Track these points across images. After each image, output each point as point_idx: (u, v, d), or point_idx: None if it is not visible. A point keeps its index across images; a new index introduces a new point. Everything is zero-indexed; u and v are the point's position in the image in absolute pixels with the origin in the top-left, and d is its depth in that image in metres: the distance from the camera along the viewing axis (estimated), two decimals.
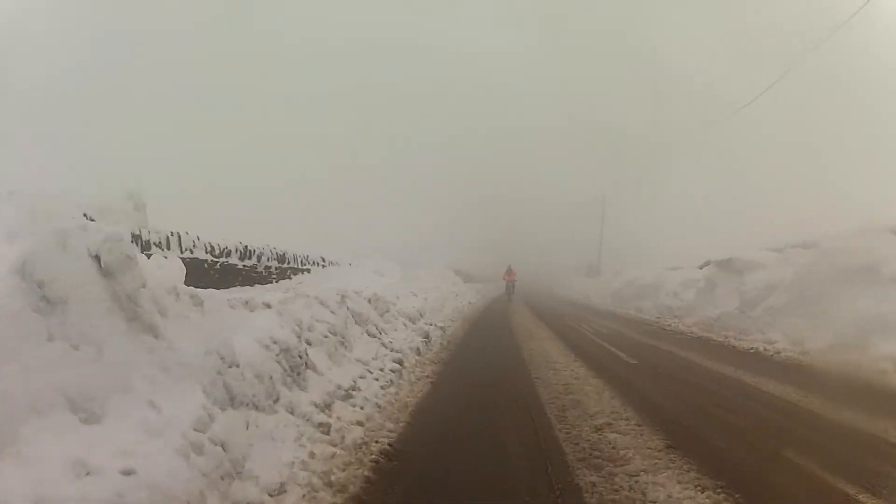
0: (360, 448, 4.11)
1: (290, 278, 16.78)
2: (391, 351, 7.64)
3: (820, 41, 19.69)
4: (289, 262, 18.24)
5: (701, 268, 23.85)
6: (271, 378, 4.16)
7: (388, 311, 9.76)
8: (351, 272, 16.76)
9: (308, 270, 19.12)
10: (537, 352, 10.03)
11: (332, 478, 3.50)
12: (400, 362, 7.05)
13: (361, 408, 4.94)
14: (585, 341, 12.30)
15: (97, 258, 3.36)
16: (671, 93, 49.94)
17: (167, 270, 4.40)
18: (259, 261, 15.94)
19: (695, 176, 36.25)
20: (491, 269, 48.72)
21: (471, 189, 66.98)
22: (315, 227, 37.26)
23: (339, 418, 4.48)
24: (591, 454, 4.33)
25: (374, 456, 4.02)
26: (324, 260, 21.53)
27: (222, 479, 2.99)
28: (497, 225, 68.12)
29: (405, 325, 9.87)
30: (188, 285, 4.30)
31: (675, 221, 36.41)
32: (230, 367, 3.78)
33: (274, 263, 17.01)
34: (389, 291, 12.50)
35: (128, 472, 2.50)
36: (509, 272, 34.28)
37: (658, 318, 20.26)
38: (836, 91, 27.69)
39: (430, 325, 11.50)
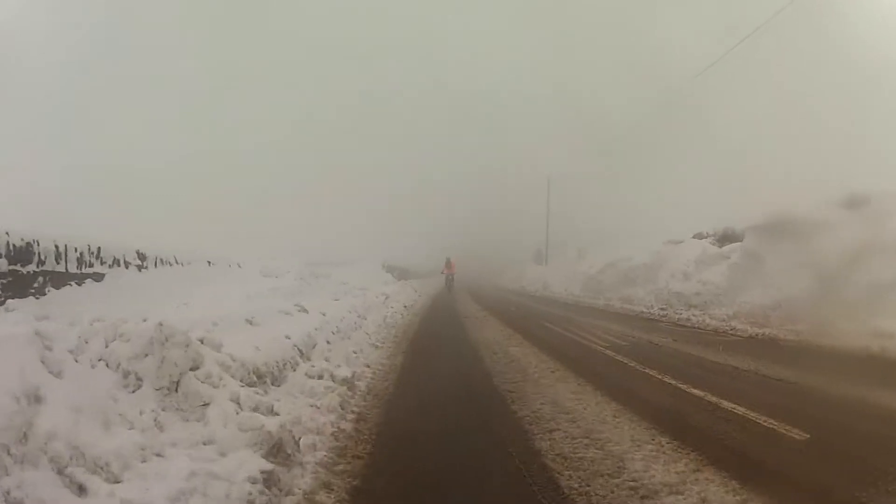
0: None
1: (44, 293, 9.36)
2: None
3: None
4: (41, 263, 10.16)
5: (698, 239, 19.01)
6: None
7: (183, 376, 3.47)
8: (201, 277, 10.10)
9: (95, 277, 11.31)
10: (570, 437, 4.09)
11: None
12: None
13: None
14: (625, 375, 6.51)
15: None
16: (638, 68, 46.18)
17: None
18: None
19: (667, 152, 31.91)
20: (432, 262, 45.07)
21: (413, 181, 61.59)
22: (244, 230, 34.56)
23: None
24: None
25: None
26: (142, 257, 13.22)
27: None
28: (441, 217, 63.24)
29: (235, 406, 3.56)
30: None
31: (647, 197, 31.95)
32: None
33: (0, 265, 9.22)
34: (239, 312, 6.19)
35: None
36: (448, 265, 33.20)
37: (663, 310, 14.84)
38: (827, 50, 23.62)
39: (319, 376, 5.25)
